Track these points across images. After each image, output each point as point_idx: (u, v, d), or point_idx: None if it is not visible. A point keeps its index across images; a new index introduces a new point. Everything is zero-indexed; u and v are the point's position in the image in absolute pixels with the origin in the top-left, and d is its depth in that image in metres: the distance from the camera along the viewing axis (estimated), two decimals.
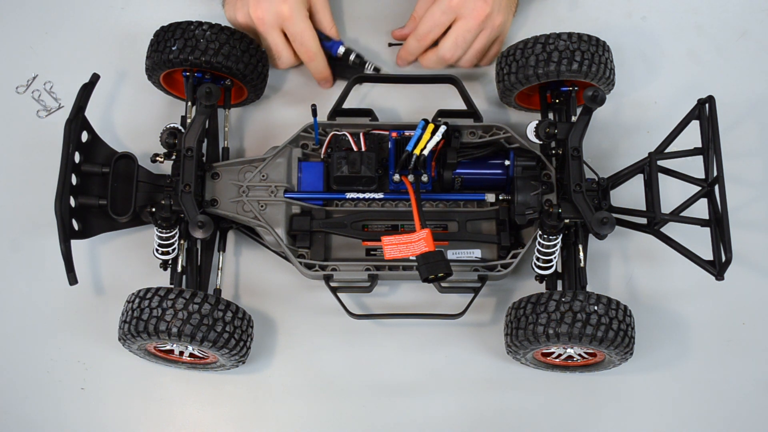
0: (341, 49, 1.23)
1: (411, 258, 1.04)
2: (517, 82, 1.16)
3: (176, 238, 1.09)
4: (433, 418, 1.14)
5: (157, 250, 1.09)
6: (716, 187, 1.03)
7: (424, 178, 1.12)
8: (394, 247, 1.04)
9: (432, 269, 1.01)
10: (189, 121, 1.15)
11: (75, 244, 1.06)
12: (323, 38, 1.22)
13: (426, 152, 1.10)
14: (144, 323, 1.01)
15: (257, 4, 1.16)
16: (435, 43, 1.22)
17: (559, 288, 1.12)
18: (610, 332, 1.01)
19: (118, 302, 1.09)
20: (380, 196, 1.14)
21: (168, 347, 1.08)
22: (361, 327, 1.17)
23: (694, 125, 1.08)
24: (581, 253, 1.10)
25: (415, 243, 1.03)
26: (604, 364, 1.11)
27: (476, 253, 1.14)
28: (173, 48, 1.14)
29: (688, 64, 1.30)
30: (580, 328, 1.00)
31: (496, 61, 1.21)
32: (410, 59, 1.25)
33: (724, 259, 1.01)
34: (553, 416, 1.14)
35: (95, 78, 1.11)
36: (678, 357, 1.17)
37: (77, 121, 1.07)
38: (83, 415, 1.14)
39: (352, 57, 1.23)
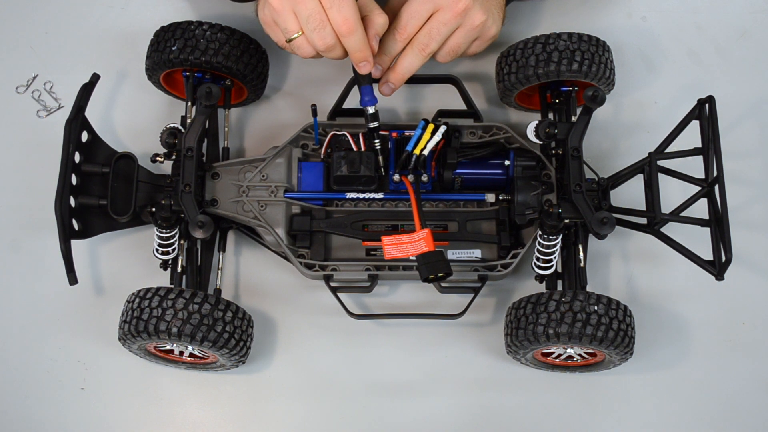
0: (371, 109, 1.09)
1: (411, 258, 1.04)
2: (517, 82, 1.16)
3: (176, 238, 1.09)
4: (433, 418, 1.14)
5: (157, 250, 1.09)
6: (716, 187, 1.03)
7: (424, 178, 1.12)
8: (394, 247, 1.04)
9: (432, 269, 1.01)
10: (189, 121, 1.15)
11: (75, 244, 1.05)
12: (362, 82, 1.09)
13: (426, 152, 1.10)
14: (144, 323, 1.01)
15: None
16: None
17: (559, 288, 1.12)
18: (610, 332, 1.01)
19: (118, 302, 1.09)
20: (380, 196, 1.14)
21: (168, 347, 1.08)
22: (361, 327, 1.17)
23: (694, 125, 1.08)
24: (581, 253, 1.10)
25: (415, 243, 1.03)
26: (604, 364, 1.11)
27: (476, 253, 1.14)
28: (173, 48, 1.14)
29: (688, 64, 1.30)
30: (580, 328, 1.00)
31: (496, 61, 1.21)
32: (387, 61, 1.11)
33: (724, 259, 1.01)
34: (553, 416, 1.14)
35: (95, 78, 1.11)
36: (678, 357, 1.17)
37: (77, 121, 1.07)
38: (83, 415, 1.14)
39: (372, 124, 1.09)
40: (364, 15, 1.04)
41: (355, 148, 1.13)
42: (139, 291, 1.04)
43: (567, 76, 1.12)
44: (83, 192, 1.10)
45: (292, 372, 1.16)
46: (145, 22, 1.29)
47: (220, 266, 1.17)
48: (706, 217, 1.06)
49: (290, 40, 1.04)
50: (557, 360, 1.12)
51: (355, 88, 1.19)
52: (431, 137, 1.10)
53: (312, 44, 1.04)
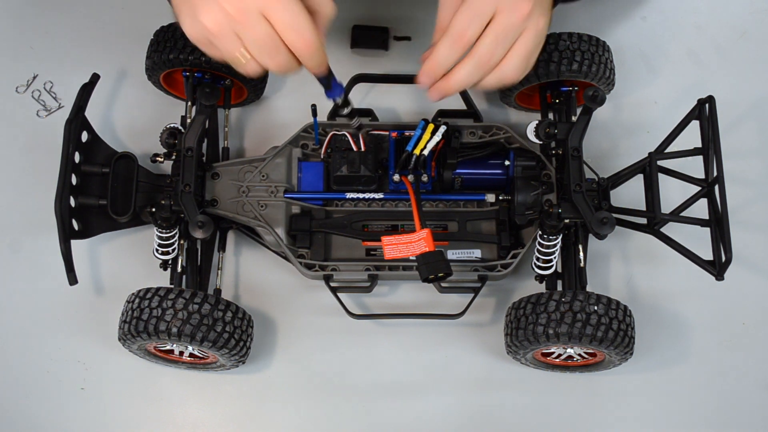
0: (339, 99, 0.99)
1: (411, 258, 1.04)
2: (517, 82, 1.15)
3: (176, 238, 1.09)
4: (433, 418, 1.14)
5: (157, 250, 1.09)
6: (716, 187, 1.03)
7: (424, 178, 1.12)
8: (393, 247, 1.04)
9: (432, 269, 1.01)
10: (189, 121, 1.15)
11: (75, 244, 1.05)
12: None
13: (426, 152, 1.10)
14: (144, 323, 1.01)
15: None
16: None
17: (559, 288, 1.12)
18: (610, 332, 1.01)
19: (118, 302, 1.09)
20: (380, 196, 1.14)
21: (168, 347, 1.08)
22: (361, 327, 1.17)
23: (694, 125, 1.08)
24: (581, 253, 1.10)
25: (415, 243, 1.03)
26: (604, 364, 1.11)
27: (476, 253, 1.14)
28: (173, 48, 1.14)
29: (688, 64, 1.30)
30: (580, 328, 1.00)
31: None
32: (440, 72, 0.94)
33: (724, 259, 1.01)
34: (553, 416, 1.15)
35: (95, 78, 1.11)
36: (678, 357, 1.17)
37: (77, 121, 1.07)
38: (83, 415, 1.14)
39: (345, 110, 1.00)
40: (308, 7, 0.87)
41: (355, 148, 1.13)
42: (139, 291, 1.04)
43: (567, 76, 1.12)
44: (83, 192, 1.10)
45: (292, 372, 1.16)
46: (145, 22, 1.29)
47: (220, 266, 1.17)
48: (706, 217, 1.06)
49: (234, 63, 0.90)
50: (557, 360, 1.12)
51: (356, 88, 1.19)
52: (431, 137, 1.10)
53: (264, 67, 0.90)
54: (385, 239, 1.05)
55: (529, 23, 0.94)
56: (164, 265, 1.12)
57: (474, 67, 0.94)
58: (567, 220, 1.05)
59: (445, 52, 0.93)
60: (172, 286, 1.09)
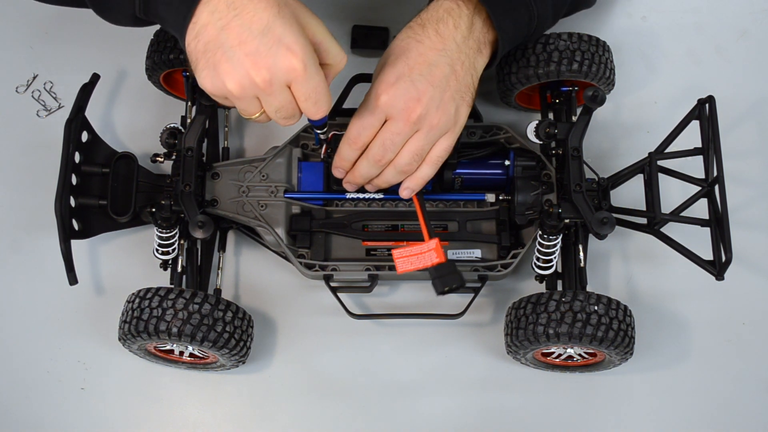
0: (320, 129, 1.05)
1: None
2: (517, 82, 1.15)
3: (176, 238, 1.09)
4: (433, 418, 1.14)
5: (157, 250, 1.09)
6: (716, 187, 1.03)
7: None
8: (405, 260, 1.04)
9: (445, 282, 1.01)
10: (189, 121, 1.15)
11: (75, 244, 1.05)
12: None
13: None
14: (144, 323, 1.01)
15: (256, 63, 0.88)
16: None
17: (559, 288, 1.12)
18: (610, 332, 1.01)
19: (118, 302, 1.09)
20: (380, 196, 1.14)
21: (168, 347, 1.08)
22: (361, 327, 1.17)
23: (694, 125, 1.08)
24: (581, 253, 1.10)
25: (426, 254, 1.02)
26: (604, 364, 1.11)
27: (476, 253, 1.14)
28: (173, 48, 1.14)
29: (688, 64, 1.31)
30: (580, 328, 1.00)
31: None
32: (346, 166, 1.06)
33: (724, 259, 1.01)
34: (553, 416, 1.15)
35: (95, 78, 1.11)
36: (678, 357, 1.17)
37: (77, 121, 1.07)
38: (83, 415, 1.14)
39: (321, 136, 1.06)
40: (322, 60, 0.93)
41: None
42: (139, 291, 1.04)
43: (567, 76, 1.12)
44: (83, 192, 1.10)
45: (292, 372, 1.16)
46: None
47: (220, 266, 1.17)
48: (706, 217, 1.06)
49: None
50: (557, 360, 1.12)
51: (356, 88, 1.19)
52: None
53: (275, 121, 0.97)
54: (396, 252, 1.04)
55: (420, 124, 1.01)
56: (164, 265, 1.12)
57: (369, 165, 1.04)
58: (567, 220, 1.05)
59: (345, 151, 1.05)
60: (172, 286, 1.09)
